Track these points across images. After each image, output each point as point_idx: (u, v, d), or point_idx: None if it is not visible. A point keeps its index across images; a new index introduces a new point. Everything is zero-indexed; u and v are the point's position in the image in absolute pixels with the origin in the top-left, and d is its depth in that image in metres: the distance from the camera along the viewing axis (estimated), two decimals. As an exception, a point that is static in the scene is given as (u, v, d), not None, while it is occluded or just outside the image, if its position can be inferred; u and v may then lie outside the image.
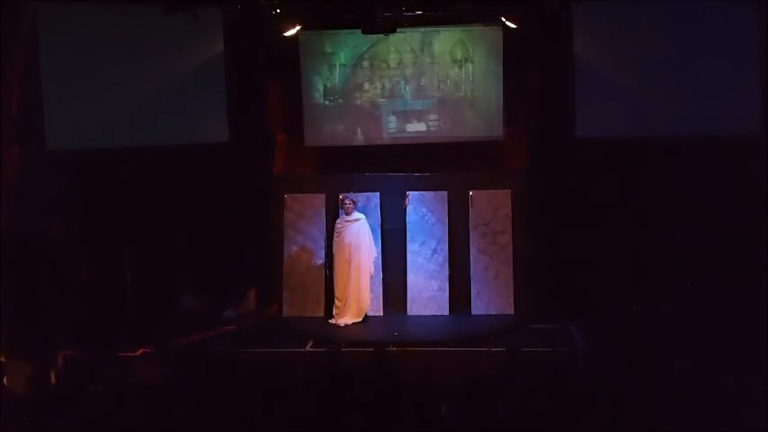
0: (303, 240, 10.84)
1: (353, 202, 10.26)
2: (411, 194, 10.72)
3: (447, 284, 10.60)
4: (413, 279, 10.64)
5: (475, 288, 10.57)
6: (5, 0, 8.47)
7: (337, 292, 10.34)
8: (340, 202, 10.43)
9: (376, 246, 10.39)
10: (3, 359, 8.12)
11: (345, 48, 10.96)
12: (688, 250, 9.56)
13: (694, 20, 9.39)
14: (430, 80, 10.92)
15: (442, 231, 10.69)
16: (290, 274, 10.77)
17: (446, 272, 10.62)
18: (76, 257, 9.63)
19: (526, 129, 10.82)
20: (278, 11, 9.89)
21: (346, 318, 10.23)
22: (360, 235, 10.20)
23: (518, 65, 10.70)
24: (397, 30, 10.26)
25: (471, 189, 10.70)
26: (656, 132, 9.56)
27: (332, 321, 10.30)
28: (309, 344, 9.69)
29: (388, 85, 10.97)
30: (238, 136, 10.32)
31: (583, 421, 5.88)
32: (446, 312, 10.53)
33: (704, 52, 9.35)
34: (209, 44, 10.05)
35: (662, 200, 9.82)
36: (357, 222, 10.24)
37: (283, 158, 11.30)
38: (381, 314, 10.57)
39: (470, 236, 10.64)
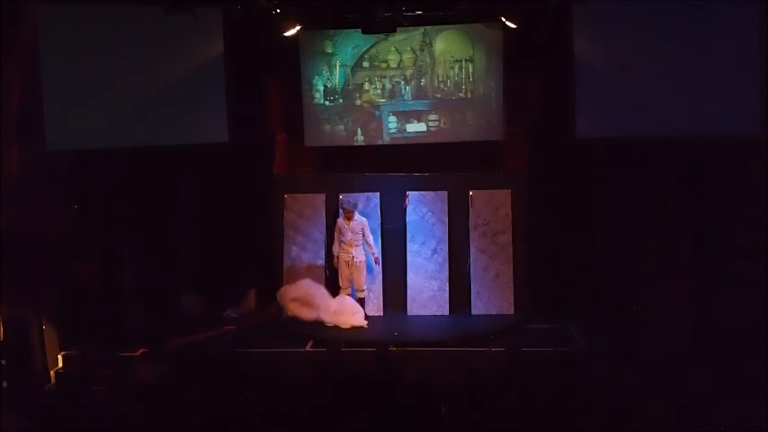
0: (303, 240, 10.83)
1: (353, 210, 10.18)
2: (411, 194, 10.71)
3: (447, 284, 10.59)
4: (413, 279, 10.63)
5: (475, 288, 10.56)
6: (5, 0, 8.47)
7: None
8: (340, 204, 10.42)
9: (376, 245, 10.39)
10: (2, 360, 8.13)
11: (345, 48, 10.97)
12: (688, 250, 9.57)
13: (694, 20, 9.38)
14: (430, 80, 10.93)
15: (442, 231, 10.68)
16: (290, 274, 10.76)
17: (446, 272, 10.60)
18: (76, 257, 9.63)
19: (526, 129, 10.80)
20: (278, 11, 9.90)
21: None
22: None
23: (518, 65, 10.70)
24: (397, 30, 10.28)
25: (471, 189, 10.69)
26: (656, 132, 9.55)
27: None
28: (309, 344, 9.68)
29: (388, 85, 10.98)
30: (238, 136, 10.31)
31: (583, 421, 5.88)
32: (446, 312, 10.52)
33: (704, 52, 9.33)
34: (209, 44, 10.03)
35: (662, 200, 9.83)
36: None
37: (283, 158, 11.30)
38: (381, 314, 10.57)
39: (470, 236, 10.63)
